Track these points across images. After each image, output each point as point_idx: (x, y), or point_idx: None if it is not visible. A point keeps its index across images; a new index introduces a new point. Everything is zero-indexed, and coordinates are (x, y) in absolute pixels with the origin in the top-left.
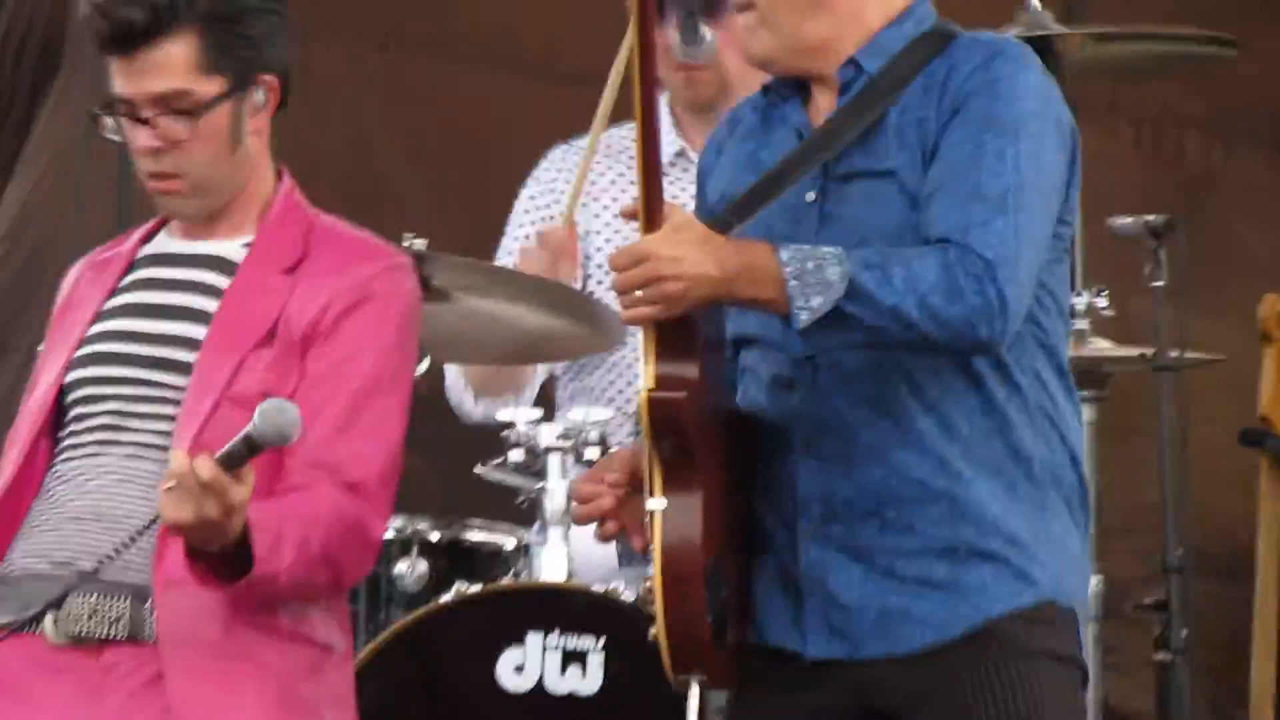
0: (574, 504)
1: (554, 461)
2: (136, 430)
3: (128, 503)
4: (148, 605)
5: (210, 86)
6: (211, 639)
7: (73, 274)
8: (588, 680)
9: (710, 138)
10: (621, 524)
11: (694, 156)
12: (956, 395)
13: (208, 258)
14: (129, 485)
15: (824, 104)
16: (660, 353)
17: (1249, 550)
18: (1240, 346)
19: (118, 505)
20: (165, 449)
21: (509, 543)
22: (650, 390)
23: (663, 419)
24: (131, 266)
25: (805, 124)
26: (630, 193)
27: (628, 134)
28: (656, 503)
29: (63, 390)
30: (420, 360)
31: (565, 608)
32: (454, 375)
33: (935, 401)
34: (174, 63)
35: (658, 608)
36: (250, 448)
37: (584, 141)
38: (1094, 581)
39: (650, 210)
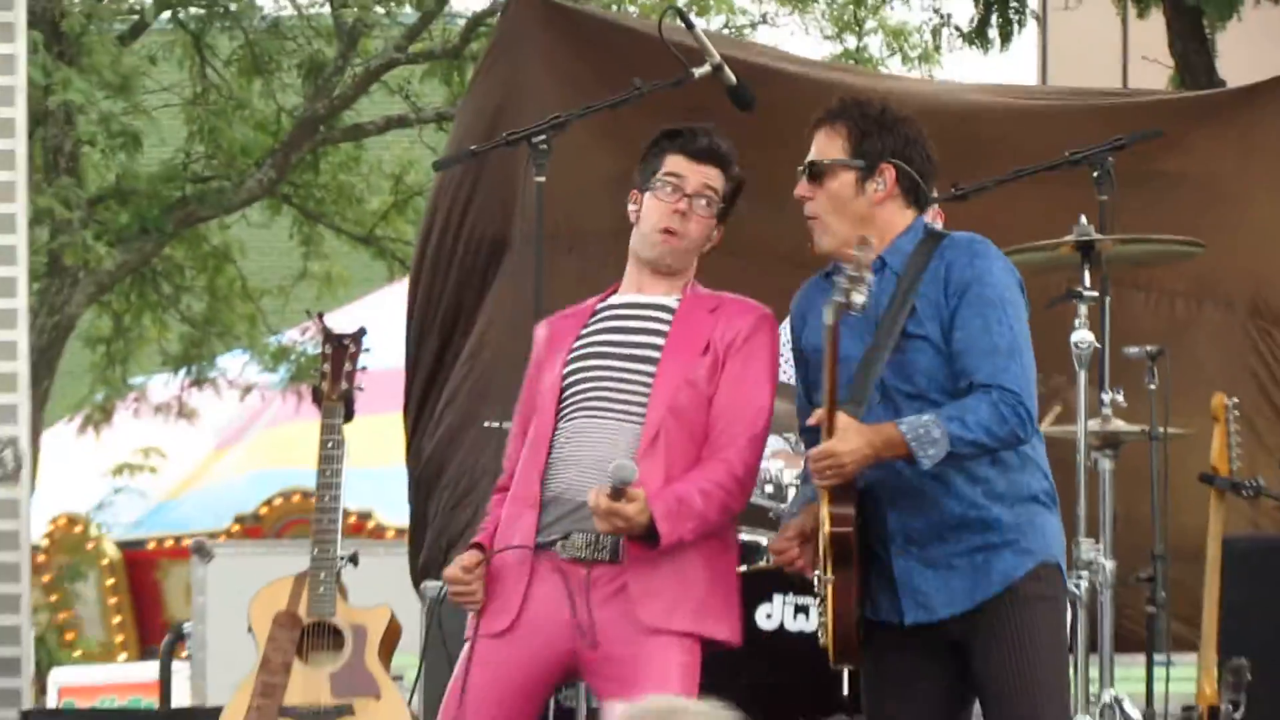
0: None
1: (791, 492)
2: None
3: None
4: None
5: None
6: (658, 561)
7: (541, 329)
8: (810, 622)
9: (796, 301)
10: (803, 566)
11: None
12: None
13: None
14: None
15: None
16: (834, 500)
17: (1203, 545)
18: (1202, 425)
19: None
20: (637, 417)
21: (764, 540)
22: (831, 527)
23: (839, 544)
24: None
25: None
26: None
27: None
28: (829, 576)
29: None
30: None
31: (795, 578)
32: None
33: (963, 464)
34: None
35: (829, 637)
36: (615, 490)
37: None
38: (1109, 564)
39: (830, 424)
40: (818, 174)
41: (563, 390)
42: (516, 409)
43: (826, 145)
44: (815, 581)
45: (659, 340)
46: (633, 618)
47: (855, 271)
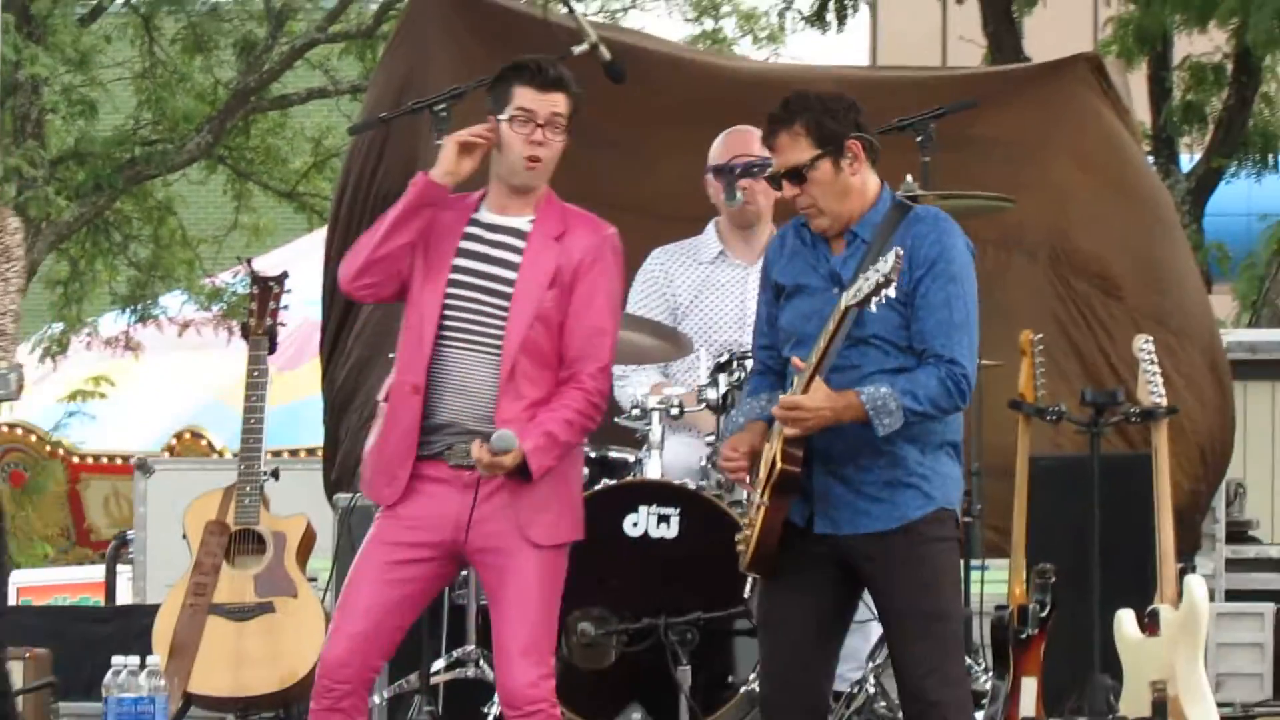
0: (721, 458)
1: (655, 415)
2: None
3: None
4: None
5: None
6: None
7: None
8: (671, 530)
9: (773, 242)
10: (743, 477)
11: (729, 257)
12: None
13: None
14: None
15: (837, 245)
16: (789, 441)
17: (1013, 463)
18: (1011, 358)
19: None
20: (495, 351)
21: (631, 457)
22: (783, 464)
23: (785, 478)
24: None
25: (826, 249)
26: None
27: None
28: (765, 500)
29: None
30: None
31: (659, 491)
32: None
33: None
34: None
35: (751, 549)
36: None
37: (670, 246)
38: None
39: (809, 382)
40: (800, 176)
41: (441, 316)
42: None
43: (793, 147)
44: (746, 496)
45: (511, 275)
46: (516, 525)
47: (883, 279)
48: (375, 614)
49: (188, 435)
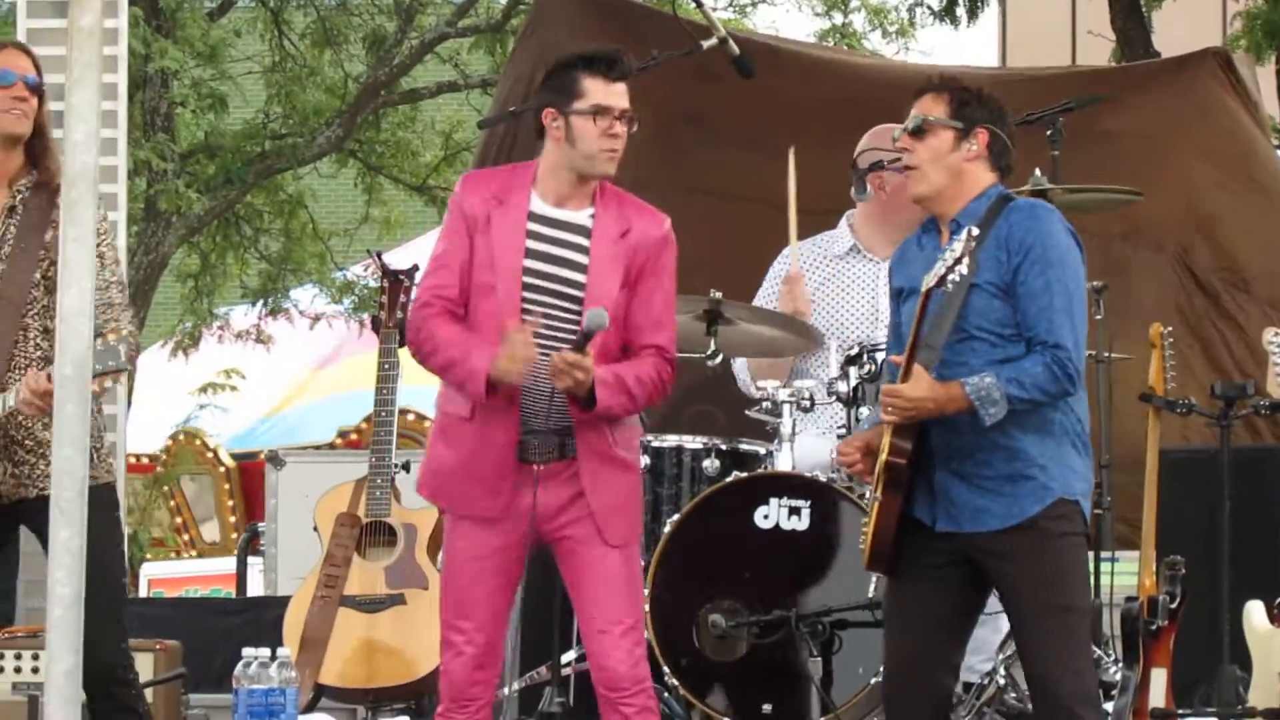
0: (838, 454)
1: (786, 409)
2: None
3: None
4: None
5: None
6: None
7: (473, 197)
8: (802, 523)
9: (897, 251)
10: (861, 471)
11: (863, 251)
12: None
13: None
14: None
15: (945, 239)
16: (896, 433)
17: (1143, 456)
18: (1140, 351)
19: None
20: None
21: (762, 450)
22: (889, 455)
23: (892, 471)
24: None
25: (937, 246)
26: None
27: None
28: (877, 496)
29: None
30: (716, 357)
31: (790, 484)
32: (739, 366)
33: None
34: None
35: (868, 545)
36: (585, 337)
37: (802, 243)
38: None
39: (907, 370)
40: (921, 130)
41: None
42: (448, 245)
43: (931, 107)
44: (868, 493)
45: (579, 277)
46: (589, 515)
47: (959, 253)
48: (495, 624)
49: (182, 436)
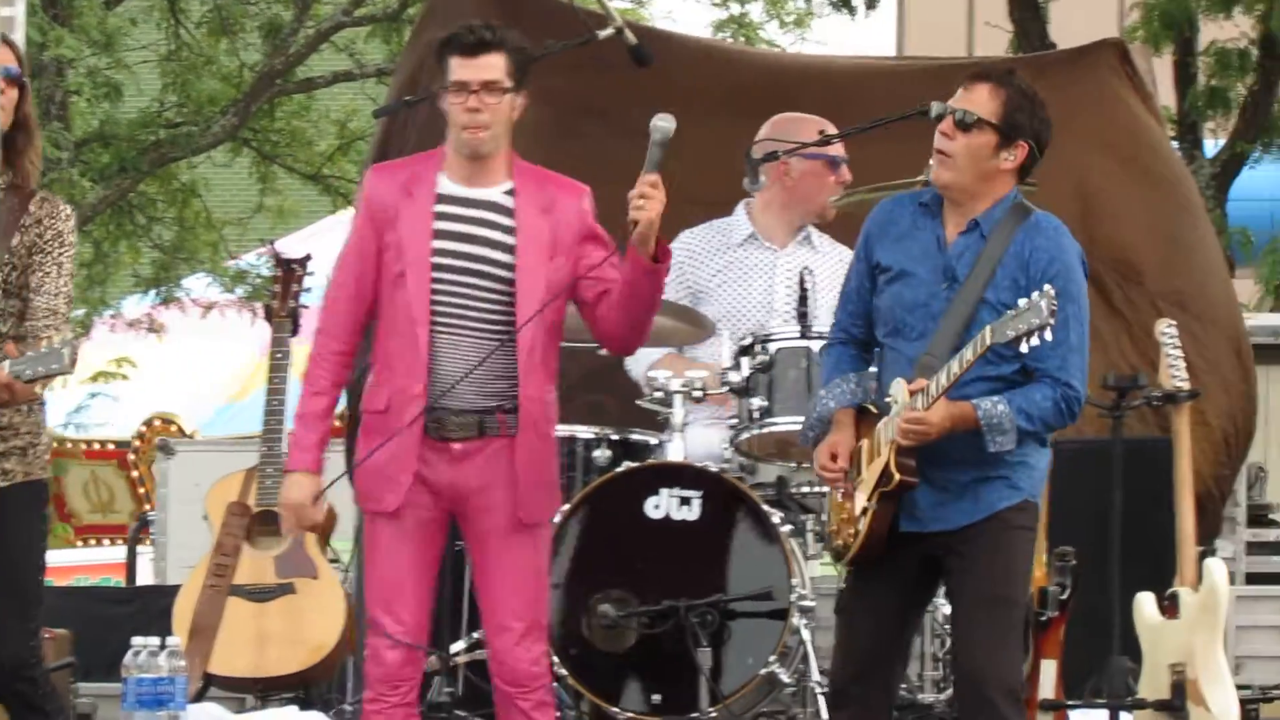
0: (819, 465)
1: (677, 399)
2: None
3: None
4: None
5: None
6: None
7: (378, 184)
8: (693, 513)
9: (879, 212)
10: (839, 484)
11: (761, 240)
12: None
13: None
14: None
15: (951, 230)
16: (901, 452)
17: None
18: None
19: None
20: (508, 333)
21: (653, 440)
22: (899, 474)
23: (903, 488)
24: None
25: (941, 236)
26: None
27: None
28: (875, 505)
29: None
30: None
31: (681, 474)
32: (630, 358)
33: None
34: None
35: (857, 547)
36: (660, 149)
37: (698, 228)
38: None
39: (932, 401)
40: (967, 124)
41: (431, 309)
42: (345, 263)
43: (984, 102)
44: (849, 490)
45: (502, 256)
46: (509, 501)
47: (1040, 324)
48: (421, 606)
49: (158, 421)
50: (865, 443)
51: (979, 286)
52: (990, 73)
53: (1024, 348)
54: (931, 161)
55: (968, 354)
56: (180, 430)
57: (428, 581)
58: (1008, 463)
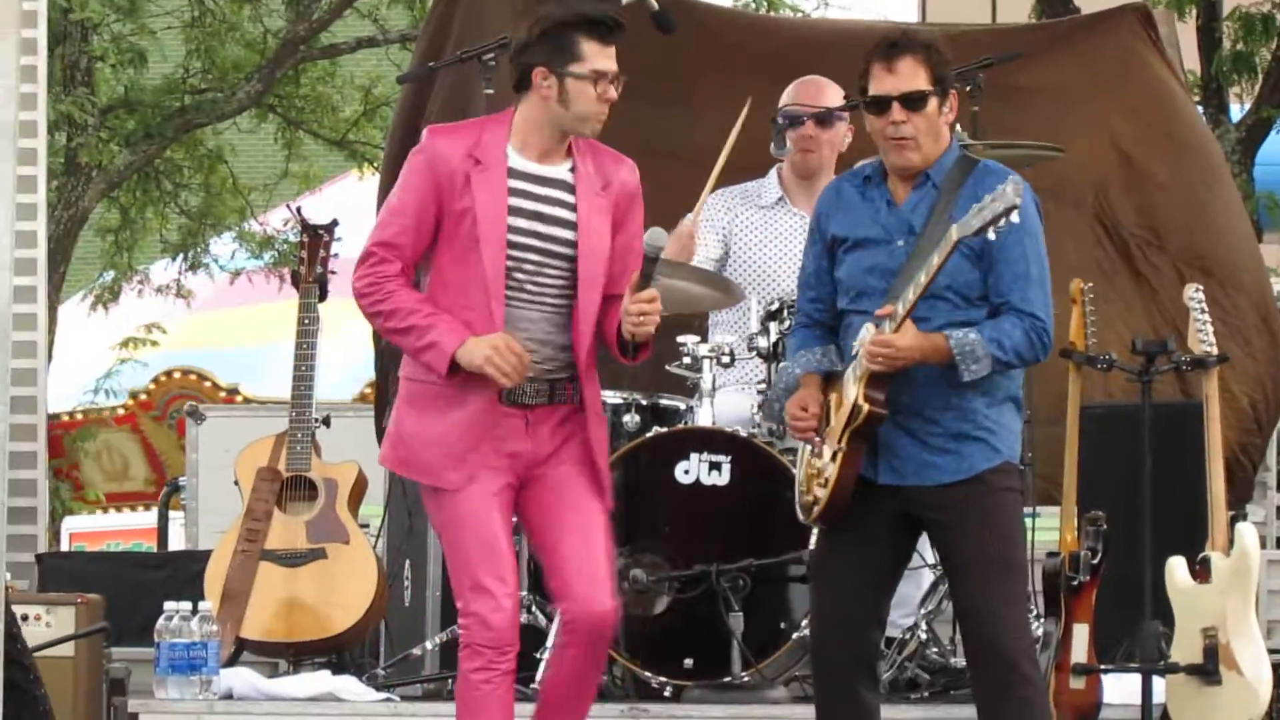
0: (790, 417)
1: (705, 364)
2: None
3: None
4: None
5: None
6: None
7: (443, 144)
8: (722, 478)
9: (826, 194)
10: (811, 436)
11: (789, 204)
12: None
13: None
14: None
15: (900, 191)
16: (870, 384)
17: (1064, 411)
18: (1062, 306)
19: None
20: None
21: (682, 405)
22: (868, 405)
23: (871, 421)
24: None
25: (890, 198)
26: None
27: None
28: (843, 447)
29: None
30: None
31: (711, 439)
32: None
33: None
34: None
35: (827, 497)
36: (652, 264)
37: (731, 188)
38: None
39: (900, 323)
40: (916, 102)
41: (506, 285)
42: (408, 200)
43: (914, 76)
44: (819, 445)
45: (567, 234)
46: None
47: (1006, 207)
48: (515, 568)
49: (178, 373)
50: (834, 395)
51: (936, 230)
52: (900, 45)
53: (992, 235)
54: (885, 150)
55: (934, 259)
56: (214, 384)
57: (512, 545)
58: (985, 425)
